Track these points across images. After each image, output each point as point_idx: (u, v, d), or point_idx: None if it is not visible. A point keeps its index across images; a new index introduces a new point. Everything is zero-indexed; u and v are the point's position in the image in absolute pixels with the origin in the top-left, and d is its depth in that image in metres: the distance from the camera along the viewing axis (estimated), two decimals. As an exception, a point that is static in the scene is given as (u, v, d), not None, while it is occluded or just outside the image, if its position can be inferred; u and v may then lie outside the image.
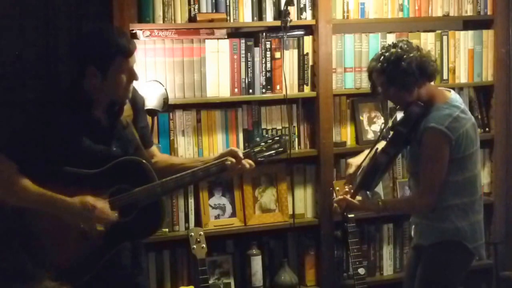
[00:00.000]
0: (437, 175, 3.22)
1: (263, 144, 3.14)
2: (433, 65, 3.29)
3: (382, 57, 3.25)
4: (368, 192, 3.49)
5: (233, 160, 3.02)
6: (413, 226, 3.51)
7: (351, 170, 3.46)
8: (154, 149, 3.26)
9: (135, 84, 2.99)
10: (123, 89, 2.90)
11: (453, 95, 3.34)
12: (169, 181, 2.96)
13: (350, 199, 3.32)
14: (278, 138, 3.15)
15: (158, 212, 2.99)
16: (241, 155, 3.04)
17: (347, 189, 3.38)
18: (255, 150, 3.12)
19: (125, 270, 3.00)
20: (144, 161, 2.94)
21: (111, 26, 3.33)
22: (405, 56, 3.21)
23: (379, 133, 3.47)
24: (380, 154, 3.26)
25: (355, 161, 3.50)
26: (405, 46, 3.25)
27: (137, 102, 3.09)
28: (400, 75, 3.21)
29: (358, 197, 3.40)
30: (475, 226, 3.32)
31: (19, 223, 2.89)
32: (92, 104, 2.91)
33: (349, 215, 3.75)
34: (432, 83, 3.42)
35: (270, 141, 3.14)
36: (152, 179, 2.92)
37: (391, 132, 3.31)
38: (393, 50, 3.24)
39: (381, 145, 3.34)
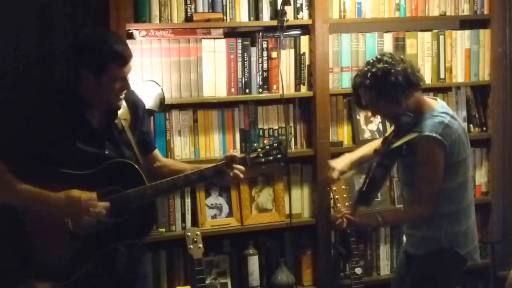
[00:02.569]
0: (435, 182, 3.22)
1: (259, 150, 3.11)
2: (418, 75, 3.30)
3: (369, 73, 3.25)
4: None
5: (230, 165, 3.01)
6: (405, 237, 3.50)
7: (334, 175, 3.46)
8: (157, 153, 3.26)
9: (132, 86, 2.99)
10: (114, 96, 2.92)
11: (440, 102, 3.37)
12: (159, 184, 2.95)
13: (350, 216, 3.30)
14: (276, 144, 3.10)
15: (150, 214, 2.99)
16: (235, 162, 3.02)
17: (345, 210, 3.38)
18: (250, 156, 3.09)
19: (118, 275, 2.98)
20: (134, 164, 2.94)
21: (110, 33, 3.26)
22: (392, 70, 3.22)
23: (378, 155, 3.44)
24: (375, 168, 3.26)
25: (338, 166, 3.49)
26: (390, 60, 3.25)
27: (137, 106, 3.09)
28: (389, 89, 3.22)
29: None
30: (467, 232, 3.33)
31: (12, 223, 2.90)
32: (85, 107, 2.92)
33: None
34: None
35: (268, 147, 3.10)
36: (142, 182, 2.92)
37: (385, 145, 3.31)
38: (379, 65, 3.24)
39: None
